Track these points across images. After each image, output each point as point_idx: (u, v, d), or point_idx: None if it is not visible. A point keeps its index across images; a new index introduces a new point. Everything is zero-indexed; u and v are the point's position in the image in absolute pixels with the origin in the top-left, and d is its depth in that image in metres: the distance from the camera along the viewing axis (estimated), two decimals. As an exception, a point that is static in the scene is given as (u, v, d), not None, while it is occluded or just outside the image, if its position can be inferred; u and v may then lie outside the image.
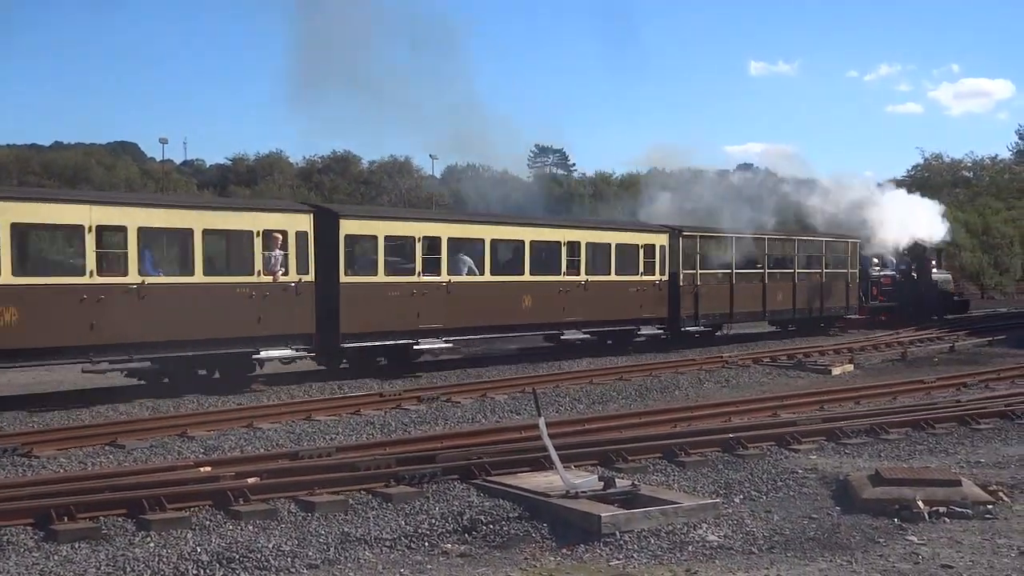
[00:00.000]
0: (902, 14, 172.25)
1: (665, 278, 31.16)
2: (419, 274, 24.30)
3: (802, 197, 40.98)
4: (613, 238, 29.73)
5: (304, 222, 22.10)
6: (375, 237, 23.55)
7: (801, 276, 36.97)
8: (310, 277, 22.13)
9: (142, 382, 21.31)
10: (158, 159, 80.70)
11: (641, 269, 30.37)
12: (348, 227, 22.99)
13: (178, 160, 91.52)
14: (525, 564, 9.68)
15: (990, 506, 11.51)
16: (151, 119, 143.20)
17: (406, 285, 24.05)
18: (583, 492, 11.33)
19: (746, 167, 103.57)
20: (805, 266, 37.30)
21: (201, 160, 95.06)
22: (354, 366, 24.39)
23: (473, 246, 25.95)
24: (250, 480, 12.07)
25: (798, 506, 11.85)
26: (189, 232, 20.33)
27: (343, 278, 22.81)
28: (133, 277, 19.48)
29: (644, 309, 30.50)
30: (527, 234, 27.06)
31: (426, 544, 10.29)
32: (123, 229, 19.37)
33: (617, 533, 10.30)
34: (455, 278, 25.17)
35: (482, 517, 11.00)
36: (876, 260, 41.77)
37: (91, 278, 18.87)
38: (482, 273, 25.91)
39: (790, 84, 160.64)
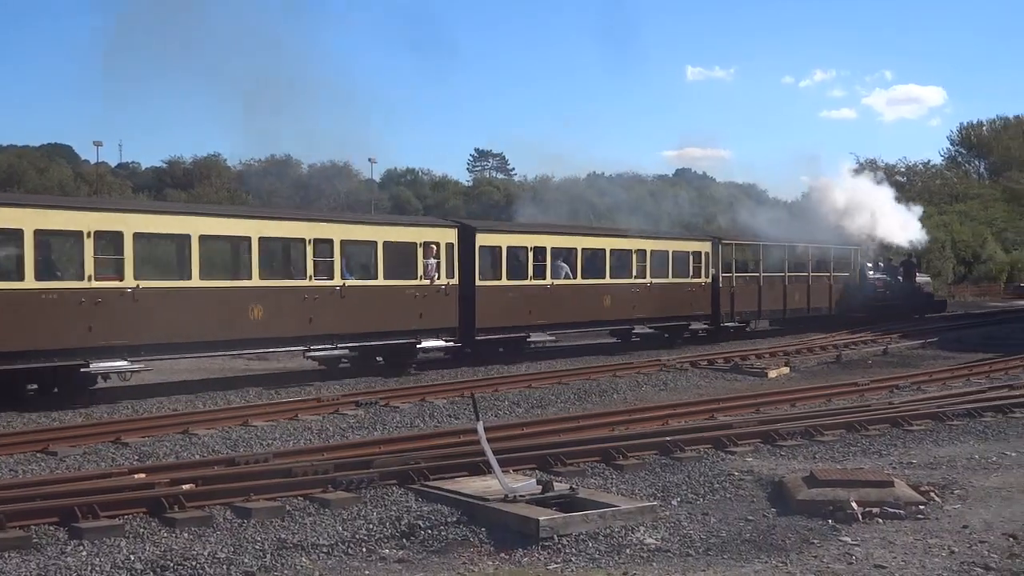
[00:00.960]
0: (836, 21, 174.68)
1: (709, 280, 35.76)
2: (530, 278, 28.83)
3: (813, 210, 45.97)
4: (670, 246, 34.40)
5: (451, 235, 26.87)
6: (499, 247, 28.30)
7: (814, 279, 41.37)
8: (455, 281, 26.86)
9: (346, 364, 25.60)
10: (92, 161, 79.63)
11: (691, 273, 34.92)
12: (482, 239, 27.63)
13: (113, 163, 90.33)
14: (463, 569, 9.66)
15: (922, 506, 11.67)
16: (85, 121, 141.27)
17: (521, 287, 28.66)
18: (521, 496, 11.33)
19: (685, 171, 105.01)
20: (816, 270, 41.62)
21: (136, 163, 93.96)
22: (482, 354, 28.05)
23: (569, 254, 30.39)
24: (185, 487, 11.94)
25: (734, 508, 11.94)
26: (374, 244, 25.21)
27: (478, 282, 27.42)
28: (337, 280, 24.11)
29: (694, 307, 35.11)
30: (608, 243, 31.82)
31: (363, 550, 10.24)
32: (330, 242, 24.00)
33: (555, 537, 10.31)
34: (556, 281, 29.70)
35: (420, 522, 10.96)
36: (870, 265, 45.53)
37: (309, 281, 23.63)
38: (575, 277, 30.38)
39: (727, 89, 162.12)
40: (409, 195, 70.58)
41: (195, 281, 21.48)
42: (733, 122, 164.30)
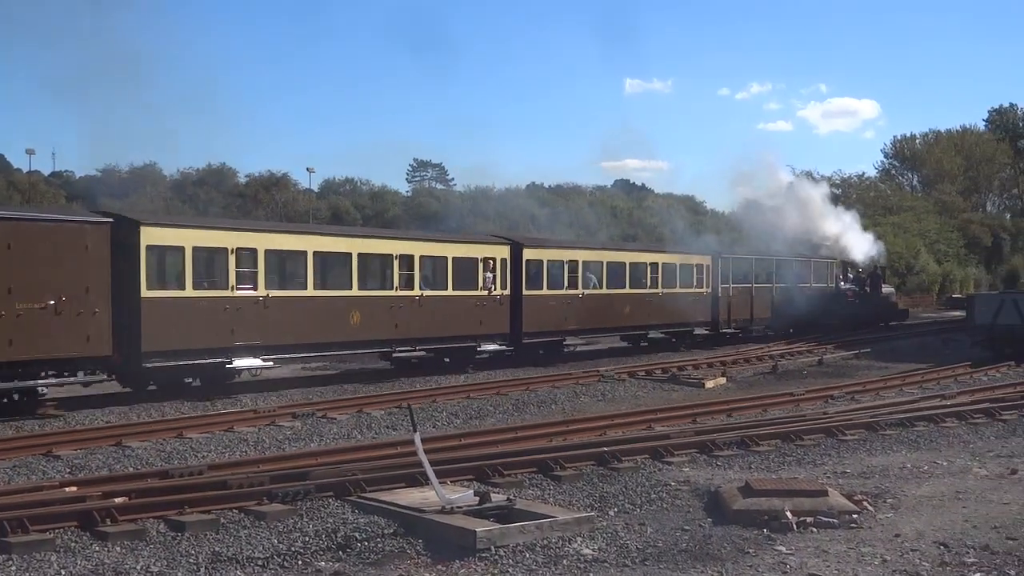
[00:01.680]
0: (772, 34, 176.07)
1: (709, 290, 39.91)
2: (566, 287, 32.98)
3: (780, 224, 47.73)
4: (678, 259, 38.58)
5: (505, 251, 30.97)
6: (542, 261, 32.41)
7: (799, 289, 44.93)
8: (507, 292, 30.86)
9: (416, 360, 29.03)
10: (25, 170, 78.38)
11: (695, 283, 39.15)
12: (528, 254, 31.77)
13: (46, 171, 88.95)
14: (400, 581, 9.63)
15: (855, 515, 11.82)
16: (16, 129, 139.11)
17: (561, 296, 32.81)
18: (458, 508, 11.31)
19: (624, 183, 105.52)
20: (799, 281, 45.59)
21: (71, 172, 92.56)
22: (530, 355, 31.68)
23: (597, 265, 34.71)
24: (118, 500, 11.79)
25: (671, 518, 12.01)
26: (445, 259, 29.28)
27: (525, 292, 31.43)
28: (416, 291, 28.08)
29: (697, 314, 38.96)
30: (627, 257, 36.34)
31: (299, 563, 10.17)
32: (411, 257, 28.03)
33: (492, 548, 10.31)
34: (586, 291, 33.86)
35: (356, 534, 10.92)
36: (840, 276, 49.01)
37: (395, 292, 27.58)
38: (601, 286, 34.57)
39: (665, 102, 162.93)
40: (348, 205, 70.28)
41: (310, 291, 25.52)
42: (671, 134, 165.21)
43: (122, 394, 23.01)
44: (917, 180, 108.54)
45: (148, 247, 21.99)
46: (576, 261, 33.81)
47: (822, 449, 16.69)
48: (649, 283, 36.80)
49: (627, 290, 35.69)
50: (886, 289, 50.35)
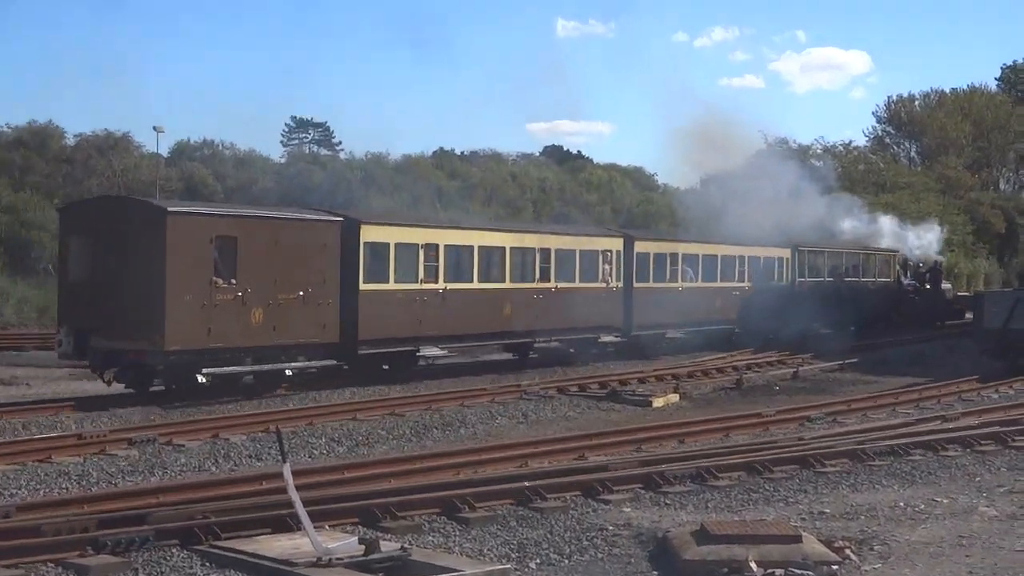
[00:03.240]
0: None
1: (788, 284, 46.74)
2: (668, 280, 39.97)
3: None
4: (763, 253, 45.33)
5: (619, 244, 38.10)
6: (649, 254, 39.30)
7: (869, 283, 51.98)
8: (621, 284, 37.82)
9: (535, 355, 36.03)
10: None
11: (775, 278, 45.99)
12: (639, 247, 38.92)
13: None
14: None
15: (835, 566, 11.90)
16: None
17: (664, 289, 39.49)
18: (339, 559, 11.22)
19: (556, 149, 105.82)
20: (864, 276, 52.19)
21: None
22: (640, 348, 38.34)
23: (693, 259, 41.53)
24: None
25: (607, 571, 11.99)
26: (574, 252, 36.23)
27: (635, 284, 38.27)
28: (552, 283, 35.08)
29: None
30: (718, 250, 42.81)
31: (131, 631, 9.98)
32: (549, 250, 35.07)
33: (380, 611, 10.21)
34: (685, 284, 40.86)
35: (207, 594, 10.76)
36: (902, 272, 55.51)
37: (536, 284, 34.75)
38: (697, 280, 41.62)
39: (606, 49, 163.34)
40: (205, 174, 69.49)
41: (475, 283, 32.60)
42: (615, 90, 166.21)
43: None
44: (916, 151, 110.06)
45: (365, 244, 29.43)
46: (676, 254, 40.75)
47: (796, 484, 16.81)
48: (736, 277, 43.98)
49: (718, 284, 42.74)
50: (944, 285, 56.87)
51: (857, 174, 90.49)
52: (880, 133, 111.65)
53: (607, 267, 37.07)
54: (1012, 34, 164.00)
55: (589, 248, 36.87)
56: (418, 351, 30.95)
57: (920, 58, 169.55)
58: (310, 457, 19.80)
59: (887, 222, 59.31)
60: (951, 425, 22.61)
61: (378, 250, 29.95)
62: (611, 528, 13.64)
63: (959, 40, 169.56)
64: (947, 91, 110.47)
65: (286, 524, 12.71)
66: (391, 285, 30.05)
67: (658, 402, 27.66)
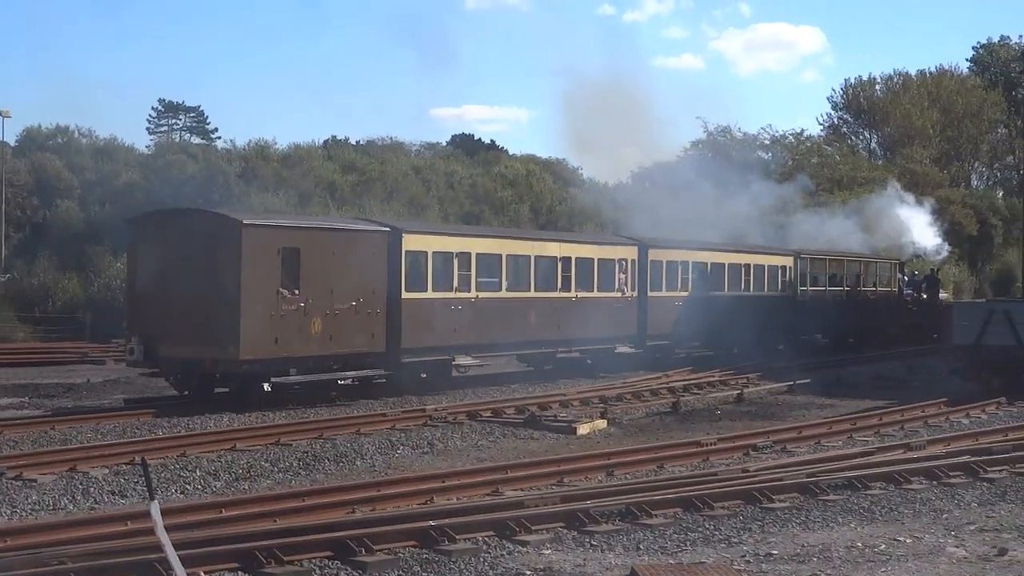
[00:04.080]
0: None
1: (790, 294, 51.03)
2: (679, 288, 44.32)
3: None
4: (766, 261, 49.90)
5: (634, 252, 42.38)
6: (662, 263, 43.48)
7: (868, 293, 56.31)
8: (635, 293, 42.18)
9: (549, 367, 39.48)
10: None
11: (778, 287, 50.21)
12: (653, 255, 43.01)
13: None
14: None
15: (783, 615, 12.04)
16: None
17: (672, 298, 43.75)
18: (215, 610, 11.23)
19: (466, 139, 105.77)
20: (858, 285, 55.82)
21: None
22: (655, 360, 42.22)
23: (701, 267, 45.74)
24: None
25: (524, 623, 12.06)
26: (592, 260, 40.64)
27: (649, 293, 42.52)
28: (573, 292, 39.44)
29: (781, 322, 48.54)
30: (725, 258, 47.48)
31: None
32: (570, 259, 39.57)
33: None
34: (691, 293, 44.85)
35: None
36: (902, 280, 59.44)
37: (558, 293, 38.90)
38: (708, 288, 45.42)
39: (521, 22, 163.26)
40: (59, 166, 68.70)
41: (503, 292, 36.76)
42: (532, 70, 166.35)
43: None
44: (877, 142, 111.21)
45: (406, 252, 33.17)
46: (687, 262, 45.02)
47: (740, 521, 16.98)
48: (742, 286, 47.87)
49: (724, 292, 46.57)
50: (943, 296, 59.53)
51: (811, 167, 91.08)
52: (836, 121, 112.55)
53: (622, 275, 41.56)
54: (986, 8, 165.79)
55: (607, 257, 41.39)
56: (454, 360, 35.05)
57: (881, 36, 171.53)
58: (182, 493, 19.71)
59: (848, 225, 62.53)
60: (916, 455, 22.89)
61: (417, 259, 33.95)
62: (529, 573, 13.71)
63: (926, 15, 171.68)
64: (912, 74, 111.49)
65: (155, 571, 12.66)
66: (429, 294, 34.18)
67: (583, 429, 27.76)
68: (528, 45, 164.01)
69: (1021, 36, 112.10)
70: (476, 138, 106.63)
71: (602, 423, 28.73)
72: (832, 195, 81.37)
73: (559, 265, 38.98)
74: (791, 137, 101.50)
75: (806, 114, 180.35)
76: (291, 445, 24.16)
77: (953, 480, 20.29)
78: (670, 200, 54.39)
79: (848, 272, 55.80)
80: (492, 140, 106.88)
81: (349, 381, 32.42)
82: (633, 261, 42.19)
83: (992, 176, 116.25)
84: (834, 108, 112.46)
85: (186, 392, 30.94)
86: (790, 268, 50.85)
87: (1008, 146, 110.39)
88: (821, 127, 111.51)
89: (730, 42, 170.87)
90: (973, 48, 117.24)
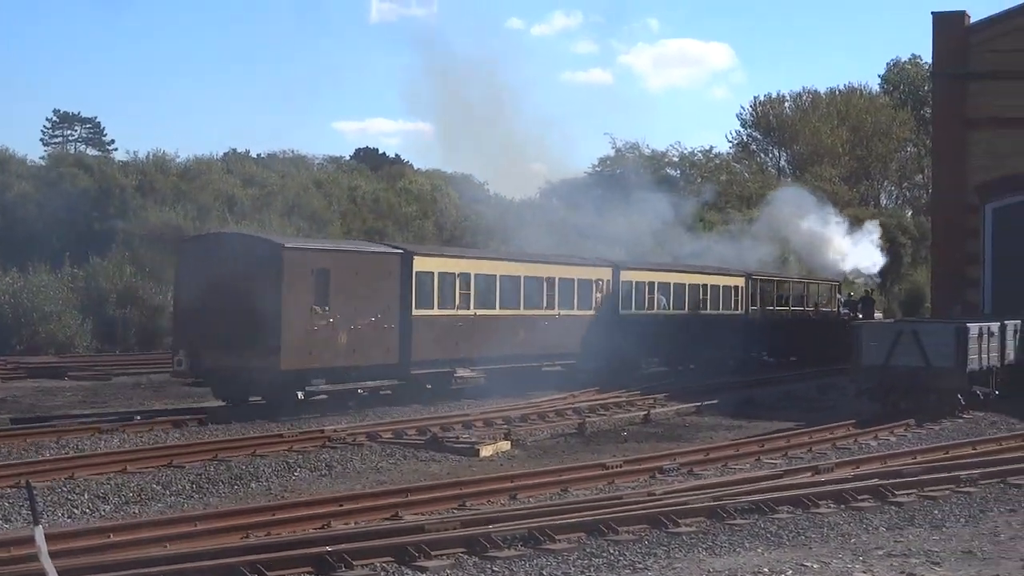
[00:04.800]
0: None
1: (741, 311, 53.92)
2: (646, 308, 47.92)
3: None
4: (720, 281, 53.16)
5: (608, 273, 46.08)
6: (631, 282, 47.12)
7: (811, 312, 60.14)
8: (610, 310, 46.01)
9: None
10: None
11: (732, 306, 53.42)
12: (625, 276, 46.68)
13: None
14: None
15: (688, 644, 11.98)
16: None
17: (643, 316, 47.38)
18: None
19: (370, 153, 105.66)
20: (801, 305, 59.94)
21: None
22: (622, 375, 44.48)
23: (666, 288, 49.35)
24: None
25: (422, 652, 11.93)
26: (572, 281, 44.23)
27: (621, 311, 46.13)
28: (556, 311, 43.27)
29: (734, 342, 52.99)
30: (692, 279, 51.27)
31: None
32: (554, 279, 43.28)
33: None
34: (661, 311, 48.79)
35: None
36: (841, 300, 63.43)
37: (543, 311, 42.70)
38: (670, 307, 49.38)
39: (428, 35, 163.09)
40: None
41: (498, 310, 40.41)
42: (438, 84, 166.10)
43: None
44: (786, 160, 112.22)
45: (416, 273, 36.97)
46: (654, 283, 48.68)
47: (645, 546, 16.94)
48: (705, 306, 51.27)
49: (684, 311, 49.82)
50: (877, 316, 61.58)
51: (720, 185, 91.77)
52: (745, 139, 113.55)
53: (599, 295, 45.27)
54: (897, 27, 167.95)
55: (586, 277, 45.03)
56: (455, 372, 38.34)
57: (790, 54, 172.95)
58: (69, 517, 19.44)
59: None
60: (823, 477, 23.00)
61: (425, 279, 37.62)
62: (428, 601, 13.59)
63: (836, 33, 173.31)
64: (822, 91, 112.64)
65: (36, 600, 12.44)
66: (436, 311, 37.80)
67: (486, 451, 27.68)
68: (431, 58, 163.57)
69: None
70: (380, 152, 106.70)
71: (506, 445, 28.66)
72: (741, 212, 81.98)
73: (545, 285, 42.80)
74: (700, 154, 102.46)
75: (715, 131, 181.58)
76: (184, 467, 23.93)
77: (861, 504, 20.41)
78: (576, 216, 54.67)
79: (793, 293, 59.60)
80: (396, 154, 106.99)
81: (364, 392, 36.48)
82: (608, 282, 45.94)
83: (901, 195, 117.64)
84: (743, 125, 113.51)
85: (226, 402, 34.01)
86: (742, 288, 54.00)
87: (917, 165, 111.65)
88: (730, 144, 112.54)
89: (639, 57, 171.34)
90: (886, 66, 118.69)
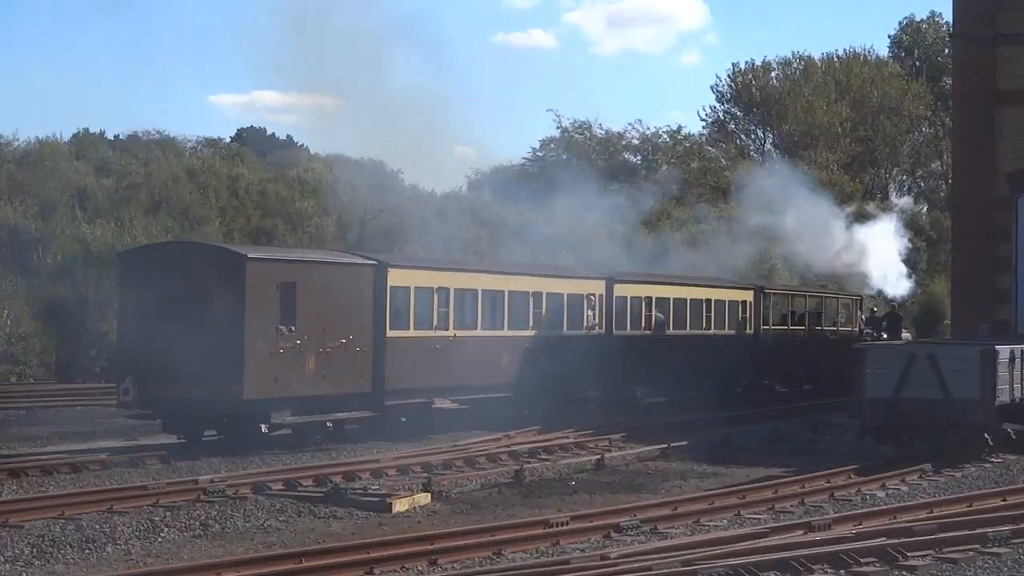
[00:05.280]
0: None
1: (751, 331, 56.86)
2: (642, 327, 50.75)
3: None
4: (721, 295, 55.76)
5: (601, 287, 48.18)
6: (626, 298, 49.45)
7: (821, 333, 61.96)
8: (603, 331, 48.10)
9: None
10: None
11: (726, 325, 55.76)
12: (620, 290, 49.05)
13: None
14: None
15: None
16: None
17: (640, 337, 50.20)
18: None
19: (256, 134, 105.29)
20: (818, 324, 62.48)
21: None
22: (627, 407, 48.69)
23: (664, 303, 51.91)
24: None
25: None
26: (561, 296, 46.43)
27: (615, 331, 48.58)
28: (549, 331, 45.93)
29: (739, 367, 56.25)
30: (698, 293, 54.07)
31: None
32: (540, 294, 45.70)
33: None
34: (659, 332, 51.39)
35: None
36: (863, 318, 65.41)
37: (530, 331, 45.20)
38: (670, 326, 52.00)
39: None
40: None
41: (479, 331, 42.77)
42: (340, 50, 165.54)
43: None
44: (772, 142, 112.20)
45: (391, 288, 38.70)
46: (651, 297, 51.29)
47: (597, 624, 16.97)
48: (703, 324, 53.82)
49: (687, 331, 52.56)
50: (906, 336, 62.66)
51: (690, 173, 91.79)
52: (722, 116, 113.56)
53: (591, 312, 47.70)
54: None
55: (577, 292, 47.41)
56: (432, 403, 40.20)
57: (777, 9, 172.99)
58: None
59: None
60: (819, 536, 23.05)
61: (400, 295, 39.56)
62: None
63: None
64: (816, 58, 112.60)
65: None
66: (411, 332, 39.79)
67: (401, 505, 27.66)
68: (337, 16, 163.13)
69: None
70: (269, 132, 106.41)
71: (424, 497, 28.63)
72: (717, 208, 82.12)
73: (531, 301, 45.31)
74: (665, 135, 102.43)
75: (685, 107, 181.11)
76: (23, 527, 23.78)
77: (865, 568, 20.50)
78: (511, 212, 54.79)
79: (808, 309, 62.44)
80: (289, 135, 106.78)
81: (330, 425, 37.89)
82: (601, 296, 48.30)
83: (915, 185, 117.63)
84: (719, 100, 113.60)
85: (181, 438, 35.68)
86: (751, 304, 56.56)
87: (934, 149, 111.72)
88: (703, 124, 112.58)
89: (590, 14, 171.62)
90: (898, 25, 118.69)
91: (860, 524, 24.58)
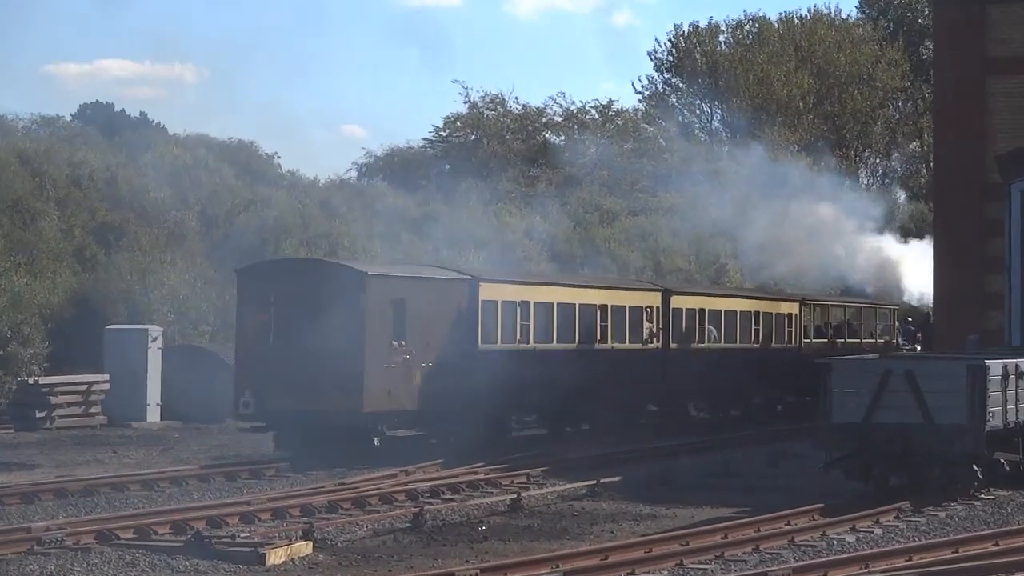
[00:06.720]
0: None
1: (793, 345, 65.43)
2: (703, 340, 58.11)
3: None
4: (772, 308, 64.06)
5: (657, 299, 55.21)
6: (681, 310, 56.48)
7: (860, 347, 67.69)
8: (660, 344, 55.44)
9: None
10: None
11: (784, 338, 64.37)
12: (676, 302, 55.92)
13: None
14: None
15: None
16: None
17: (694, 352, 56.98)
18: None
19: (102, 110, 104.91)
20: (857, 336, 70.11)
21: None
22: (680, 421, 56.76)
23: (716, 316, 59.35)
24: None
25: None
26: (624, 308, 53.80)
27: (672, 345, 55.65)
28: (610, 343, 52.96)
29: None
30: (748, 305, 62.03)
31: None
32: (607, 307, 53.07)
33: None
34: (713, 345, 59.19)
35: None
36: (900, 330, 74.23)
37: (596, 345, 52.85)
38: (722, 340, 59.45)
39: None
40: None
41: (555, 344, 50.07)
42: (205, 9, 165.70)
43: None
44: (720, 119, 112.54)
45: (482, 302, 45.76)
46: (704, 310, 58.27)
47: None
48: (757, 339, 61.48)
49: (737, 344, 60.07)
50: None
51: (623, 156, 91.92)
52: (661, 88, 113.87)
53: (649, 324, 54.52)
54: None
55: (636, 304, 54.39)
56: (514, 418, 48.89)
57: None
58: None
59: None
60: (776, 589, 23.17)
61: (489, 309, 46.32)
62: None
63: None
64: (773, 20, 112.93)
65: None
66: (499, 345, 46.41)
67: (276, 556, 27.58)
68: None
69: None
70: (119, 109, 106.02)
71: (305, 547, 28.57)
72: (654, 196, 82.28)
73: (598, 314, 52.04)
74: (593, 111, 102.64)
75: (617, 78, 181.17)
76: None
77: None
78: (411, 204, 54.99)
79: (847, 320, 70.13)
80: (143, 112, 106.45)
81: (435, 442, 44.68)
82: (657, 308, 55.36)
83: (890, 168, 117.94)
84: (658, 69, 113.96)
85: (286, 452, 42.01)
86: (796, 316, 64.36)
87: (913, 126, 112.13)
88: (639, 95, 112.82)
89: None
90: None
91: (826, 575, 24.68)
